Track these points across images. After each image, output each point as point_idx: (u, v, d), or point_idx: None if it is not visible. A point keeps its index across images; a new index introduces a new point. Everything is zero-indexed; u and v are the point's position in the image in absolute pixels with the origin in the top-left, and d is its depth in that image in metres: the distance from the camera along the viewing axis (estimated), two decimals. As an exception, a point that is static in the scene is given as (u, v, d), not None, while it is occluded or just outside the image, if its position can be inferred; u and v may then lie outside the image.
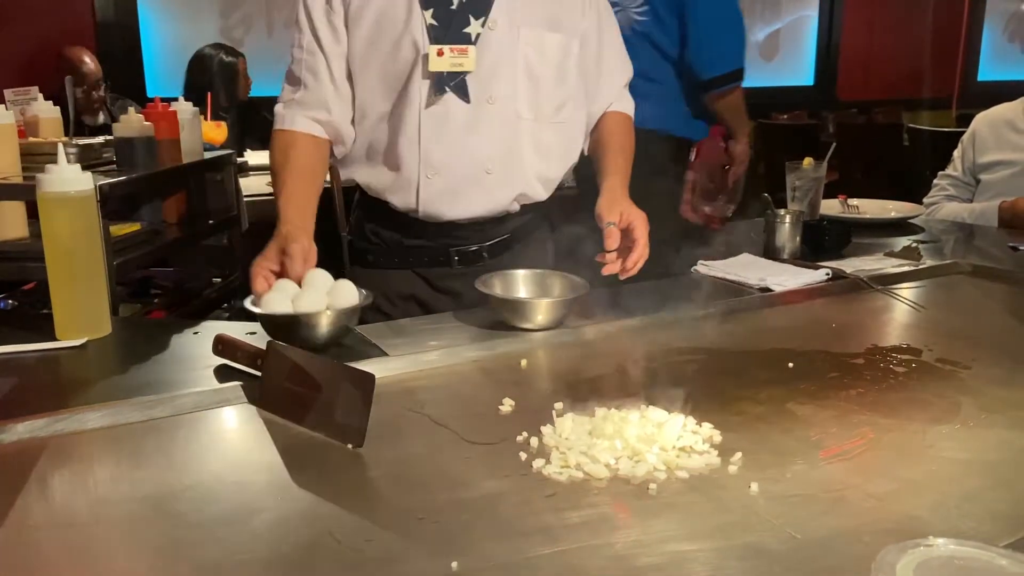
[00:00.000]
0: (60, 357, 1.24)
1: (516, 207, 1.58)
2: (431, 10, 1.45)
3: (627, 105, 1.71)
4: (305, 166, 1.48)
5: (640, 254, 1.42)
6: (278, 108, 1.52)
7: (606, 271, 1.42)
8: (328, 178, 1.48)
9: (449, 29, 1.45)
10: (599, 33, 1.62)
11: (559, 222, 1.68)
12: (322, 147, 1.52)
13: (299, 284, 1.26)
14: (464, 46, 1.45)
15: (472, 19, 1.46)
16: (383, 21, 1.47)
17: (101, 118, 3.70)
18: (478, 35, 1.47)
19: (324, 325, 1.19)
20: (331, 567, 0.74)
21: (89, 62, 3.72)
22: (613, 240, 1.41)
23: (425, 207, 1.51)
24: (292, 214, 1.38)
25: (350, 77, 1.50)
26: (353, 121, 1.53)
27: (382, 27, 1.47)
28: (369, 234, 1.60)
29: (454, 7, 1.46)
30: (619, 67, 1.69)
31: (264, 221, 1.68)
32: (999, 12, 7.08)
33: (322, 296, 1.23)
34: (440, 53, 1.44)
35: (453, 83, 1.46)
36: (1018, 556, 0.66)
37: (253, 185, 3.09)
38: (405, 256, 1.58)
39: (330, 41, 1.49)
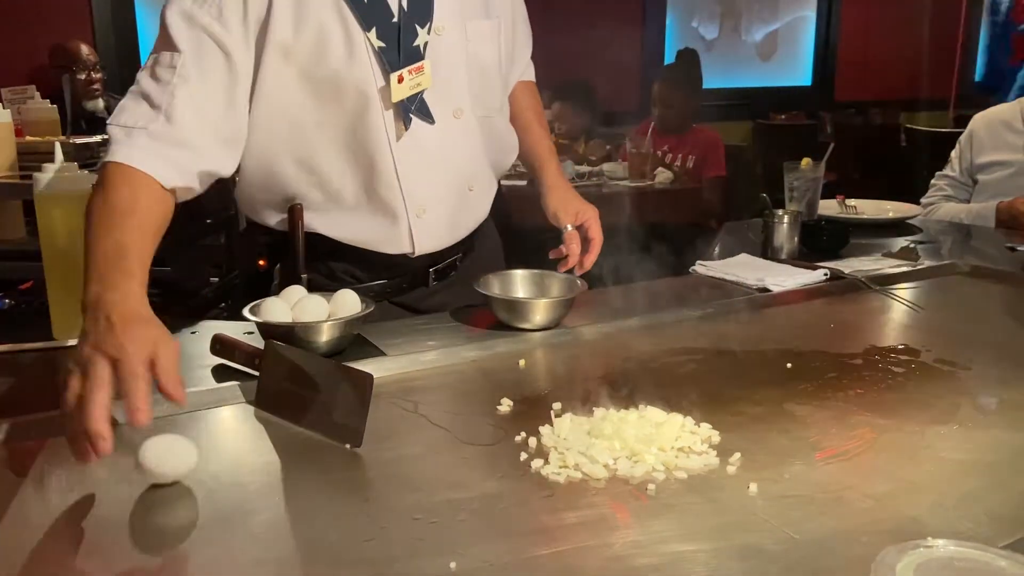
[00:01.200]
0: (58, 356, 1.23)
1: (489, 209, 1.55)
2: (374, 30, 1.27)
3: (532, 72, 1.66)
4: (151, 225, 1.10)
5: (596, 251, 1.45)
6: (116, 132, 1.15)
7: (562, 268, 1.43)
8: (283, 219, 1.33)
9: (399, 48, 1.29)
10: (512, 2, 1.52)
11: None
12: (168, 203, 1.17)
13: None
14: (419, 63, 1.31)
15: (418, 28, 1.31)
16: (319, 52, 1.26)
17: (101, 103, 3.69)
18: (426, 44, 1.32)
19: (325, 334, 1.18)
20: (329, 568, 0.74)
21: (84, 47, 3.72)
22: (576, 244, 1.43)
23: (421, 247, 1.40)
24: (138, 296, 0.97)
25: (241, 113, 1.25)
26: (220, 163, 1.26)
27: (318, 61, 1.26)
28: (341, 274, 1.41)
29: (395, 20, 1.29)
30: (528, 36, 1.61)
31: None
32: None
33: (323, 305, 1.21)
34: (400, 79, 1.29)
35: (414, 106, 1.33)
36: (1017, 557, 0.66)
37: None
38: (382, 289, 1.42)
39: (219, 67, 1.21)
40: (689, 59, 4.19)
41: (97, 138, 2.19)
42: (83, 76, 3.63)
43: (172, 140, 1.16)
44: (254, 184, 1.38)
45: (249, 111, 1.28)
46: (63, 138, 2.13)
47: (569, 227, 1.44)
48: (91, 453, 0.82)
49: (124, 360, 0.86)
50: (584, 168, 3.67)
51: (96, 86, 3.71)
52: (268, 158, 1.33)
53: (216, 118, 1.22)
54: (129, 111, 1.18)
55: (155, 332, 0.91)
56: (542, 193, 1.52)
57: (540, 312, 1.32)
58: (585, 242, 1.46)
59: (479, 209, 1.51)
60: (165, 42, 1.21)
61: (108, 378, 0.85)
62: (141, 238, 1.06)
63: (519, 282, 1.44)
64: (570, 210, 1.46)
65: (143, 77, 1.20)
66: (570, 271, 1.44)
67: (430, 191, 1.38)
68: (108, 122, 1.19)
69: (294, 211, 1.33)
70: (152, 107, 1.17)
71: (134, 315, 0.93)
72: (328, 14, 1.26)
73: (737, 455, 0.92)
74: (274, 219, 1.39)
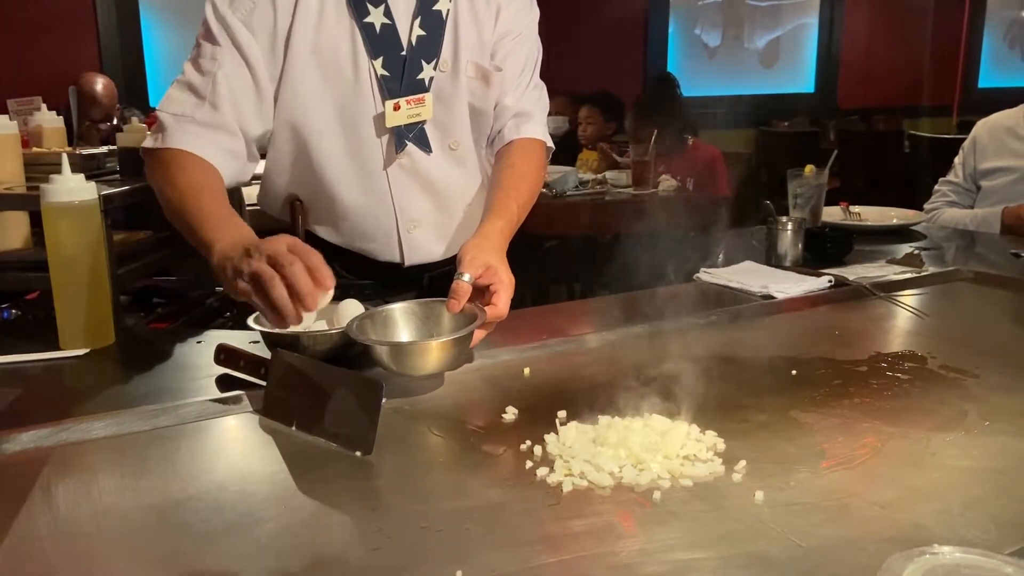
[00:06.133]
0: (64, 367, 1.24)
1: None
2: (381, 59, 1.35)
3: (540, 131, 1.52)
4: (223, 196, 1.26)
5: (489, 326, 1.18)
6: (166, 119, 1.30)
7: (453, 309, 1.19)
8: (289, 215, 1.40)
9: (403, 79, 1.37)
10: (524, 64, 1.52)
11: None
12: (220, 177, 1.31)
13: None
14: (421, 95, 1.37)
15: (424, 63, 1.38)
16: (327, 73, 1.35)
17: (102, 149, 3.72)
18: (431, 79, 1.39)
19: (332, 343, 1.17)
20: (335, 577, 0.74)
21: (101, 92, 3.71)
22: (458, 301, 1.14)
23: (410, 259, 1.45)
24: (254, 235, 1.14)
25: (266, 110, 1.36)
26: (254, 155, 1.39)
27: (327, 80, 1.36)
28: (337, 272, 1.38)
29: (404, 52, 1.37)
30: (539, 95, 1.56)
31: (265, 229, 1.65)
32: (999, 19, 7.10)
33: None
34: (397, 107, 1.36)
35: (412, 134, 1.40)
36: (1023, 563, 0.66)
37: (255, 194, 3.09)
38: (378, 291, 1.45)
39: (259, 59, 1.32)
40: (663, 87, 4.17)
41: (103, 149, 2.20)
42: (87, 121, 3.64)
43: (216, 125, 1.30)
44: (269, 179, 1.47)
45: (275, 110, 1.37)
46: (70, 149, 2.14)
47: (466, 276, 1.15)
48: (296, 315, 1.01)
49: (276, 253, 1.02)
50: (587, 176, 3.67)
51: (97, 134, 3.72)
52: (281, 156, 1.42)
53: (249, 108, 1.33)
54: (177, 100, 1.31)
55: (284, 238, 1.06)
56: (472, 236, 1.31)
57: (431, 354, 1.10)
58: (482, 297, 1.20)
59: (476, 221, 1.50)
60: (207, 34, 1.32)
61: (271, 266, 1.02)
62: (226, 205, 1.24)
63: (401, 320, 1.19)
64: (478, 262, 1.17)
65: (188, 67, 1.33)
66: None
67: (423, 210, 1.45)
68: (157, 110, 1.32)
69: (294, 208, 1.41)
70: (197, 96, 1.30)
71: (260, 239, 1.09)
72: (342, 36, 1.34)
73: (743, 463, 0.92)
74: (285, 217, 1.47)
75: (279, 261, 1.01)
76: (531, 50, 1.52)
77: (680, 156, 3.77)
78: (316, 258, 1.03)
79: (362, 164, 1.40)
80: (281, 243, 1.04)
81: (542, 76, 1.66)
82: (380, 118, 1.37)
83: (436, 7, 1.39)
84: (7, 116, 1.87)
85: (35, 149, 2.11)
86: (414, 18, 1.38)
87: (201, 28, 1.34)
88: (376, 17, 1.35)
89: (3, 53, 4.13)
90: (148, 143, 1.32)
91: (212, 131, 1.30)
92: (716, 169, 3.76)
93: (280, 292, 1.00)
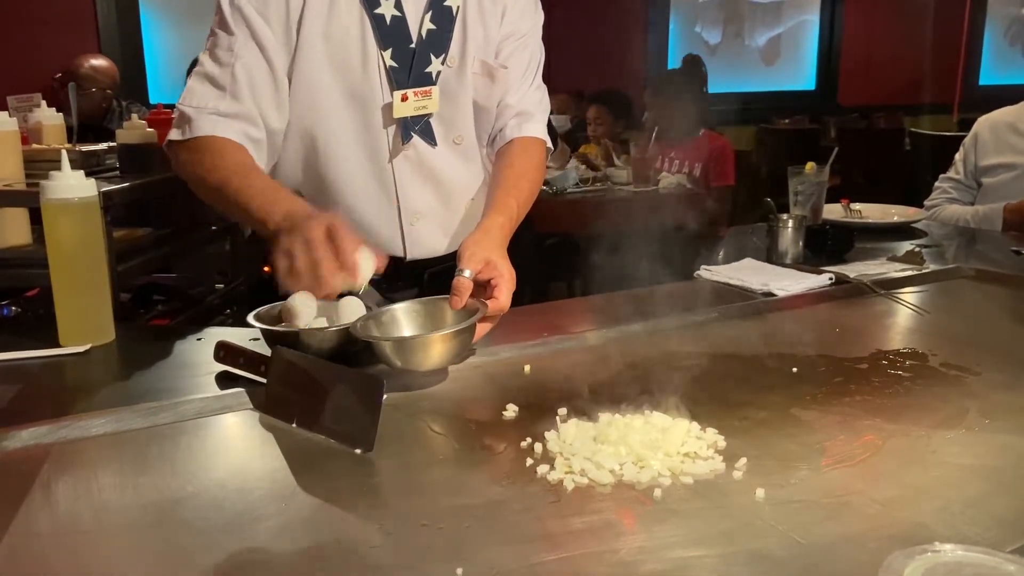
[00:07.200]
0: (64, 364, 1.24)
1: None
2: (390, 50, 1.36)
3: (540, 130, 1.53)
4: (264, 172, 1.31)
5: (491, 321, 1.20)
6: (190, 112, 1.31)
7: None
8: None
9: (411, 71, 1.38)
10: (527, 64, 1.53)
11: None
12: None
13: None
14: (428, 88, 1.38)
15: (433, 57, 1.40)
16: (336, 60, 1.36)
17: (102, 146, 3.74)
18: (439, 73, 1.40)
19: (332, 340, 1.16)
20: (335, 574, 0.74)
21: (97, 70, 3.70)
22: (459, 297, 1.16)
23: (412, 253, 1.46)
24: (297, 204, 1.19)
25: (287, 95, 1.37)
26: (281, 140, 1.40)
27: (336, 67, 1.36)
28: None
29: (413, 45, 1.38)
30: (542, 96, 1.56)
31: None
32: (1000, 16, 7.09)
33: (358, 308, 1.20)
34: (404, 98, 1.37)
35: (417, 127, 1.40)
36: (1025, 562, 0.66)
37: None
38: (379, 286, 1.41)
39: (274, 47, 1.33)
40: (690, 66, 4.16)
41: (103, 145, 2.19)
42: (91, 89, 3.63)
43: (239, 115, 1.32)
44: (274, 175, 1.45)
45: (289, 95, 1.37)
46: (69, 146, 2.14)
47: (467, 272, 1.17)
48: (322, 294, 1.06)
49: (311, 240, 1.05)
50: (588, 174, 3.66)
51: (95, 110, 3.71)
52: (289, 148, 1.42)
53: (268, 97, 1.34)
54: (198, 93, 1.33)
55: (326, 221, 1.08)
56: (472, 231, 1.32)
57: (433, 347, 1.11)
58: (484, 292, 1.21)
59: (478, 216, 1.49)
60: (222, 24, 1.33)
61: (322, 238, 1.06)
62: (271, 180, 1.30)
63: (404, 319, 1.20)
64: (478, 256, 1.19)
65: (205, 59, 1.35)
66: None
67: (426, 204, 1.45)
68: (179, 104, 1.34)
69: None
70: (217, 88, 1.32)
71: (310, 213, 1.13)
72: (352, 24, 1.35)
73: (743, 460, 0.92)
74: None
75: (313, 250, 1.05)
76: (534, 52, 1.53)
77: (692, 143, 3.77)
78: (349, 245, 1.06)
79: (369, 154, 1.41)
80: (321, 228, 1.07)
81: (544, 75, 1.66)
82: (388, 108, 1.38)
83: (447, 3, 1.40)
84: (6, 113, 1.87)
85: (35, 146, 2.10)
86: (425, 12, 1.39)
87: (215, 17, 1.35)
88: (387, 8, 1.36)
89: (2, 50, 4.13)
90: (174, 136, 1.34)
91: (237, 121, 1.32)
92: (724, 159, 3.76)
93: (302, 283, 1.07)
